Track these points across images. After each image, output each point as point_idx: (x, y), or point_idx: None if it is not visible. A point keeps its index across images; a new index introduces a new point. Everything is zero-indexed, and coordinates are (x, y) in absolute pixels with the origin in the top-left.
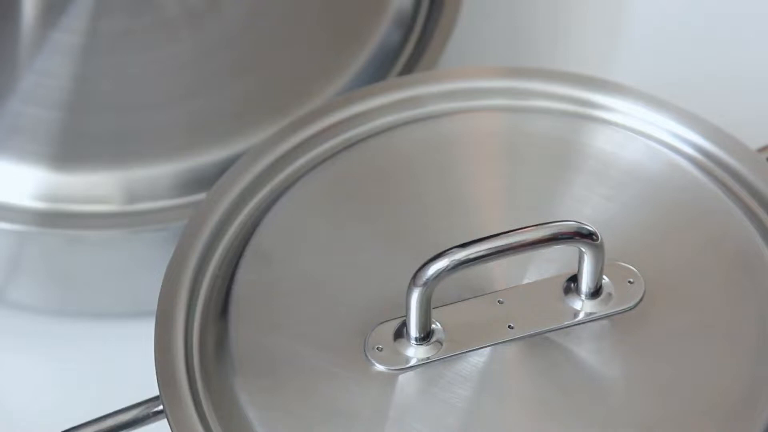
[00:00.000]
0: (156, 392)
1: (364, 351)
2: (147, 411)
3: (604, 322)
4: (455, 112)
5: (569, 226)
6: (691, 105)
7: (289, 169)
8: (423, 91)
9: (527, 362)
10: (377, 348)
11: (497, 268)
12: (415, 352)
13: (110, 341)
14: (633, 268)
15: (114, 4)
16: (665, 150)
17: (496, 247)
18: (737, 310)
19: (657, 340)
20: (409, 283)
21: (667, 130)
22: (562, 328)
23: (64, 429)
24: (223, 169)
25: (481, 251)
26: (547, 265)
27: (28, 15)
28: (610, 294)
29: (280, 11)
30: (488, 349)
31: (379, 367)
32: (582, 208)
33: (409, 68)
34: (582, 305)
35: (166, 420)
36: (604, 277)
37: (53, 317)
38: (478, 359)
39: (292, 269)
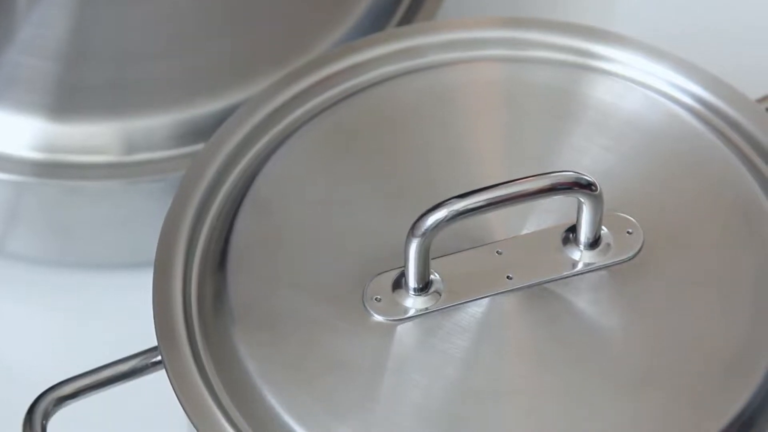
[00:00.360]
0: (154, 343)
1: (363, 302)
2: (145, 362)
3: (603, 272)
4: (454, 63)
5: (568, 176)
6: (691, 56)
7: (288, 120)
8: (422, 41)
9: (526, 313)
10: (376, 299)
11: (496, 218)
12: (413, 303)
13: (108, 292)
14: (632, 219)
15: None
16: (664, 100)
17: (494, 198)
18: (736, 260)
19: (655, 290)
20: (408, 234)
21: (666, 80)
22: (561, 279)
23: (62, 379)
24: (221, 119)
25: (479, 201)
26: (546, 215)
27: None
28: (608, 244)
29: None
30: (487, 299)
31: (378, 318)
32: (581, 158)
33: (407, 19)
34: (581, 256)
35: (164, 371)
36: (603, 227)
37: (51, 268)
38: (476, 310)
39: (290, 220)
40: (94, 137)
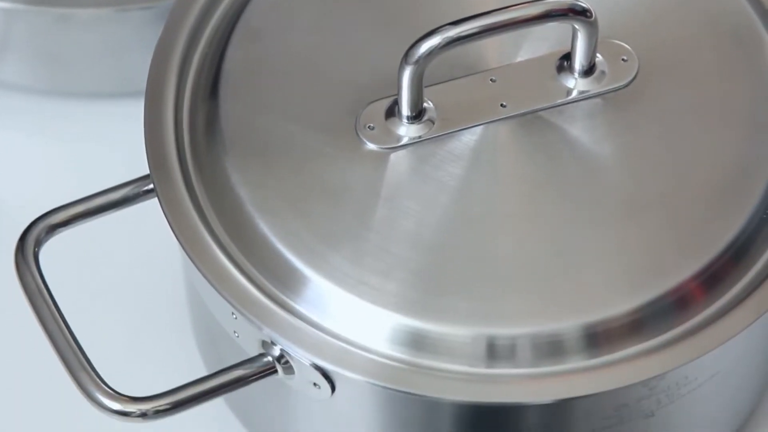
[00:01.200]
0: (146, 171)
1: (356, 130)
2: (137, 190)
3: (597, 100)
4: None
5: (562, 2)
6: None
7: None
8: None
9: (519, 141)
10: (369, 127)
11: (490, 46)
12: (406, 131)
13: (100, 120)
14: (627, 46)
15: None
16: None
17: (488, 24)
18: (732, 87)
19: (650, 117)
20: (401, 61)
21: None
22: (555, 107)
23: (54, 207)
24: None
25: (473, 28)
26: (541, 43)
27: None
28: (603, 72)
29: None
30: (480, 127)
31: (371, 146)
32: None
33: None
34: (575, 83)
35: (156, 199)
36: (598, 54)
37: (43, 96)
38: (470, 138)
39: (282, 48)
40: None
